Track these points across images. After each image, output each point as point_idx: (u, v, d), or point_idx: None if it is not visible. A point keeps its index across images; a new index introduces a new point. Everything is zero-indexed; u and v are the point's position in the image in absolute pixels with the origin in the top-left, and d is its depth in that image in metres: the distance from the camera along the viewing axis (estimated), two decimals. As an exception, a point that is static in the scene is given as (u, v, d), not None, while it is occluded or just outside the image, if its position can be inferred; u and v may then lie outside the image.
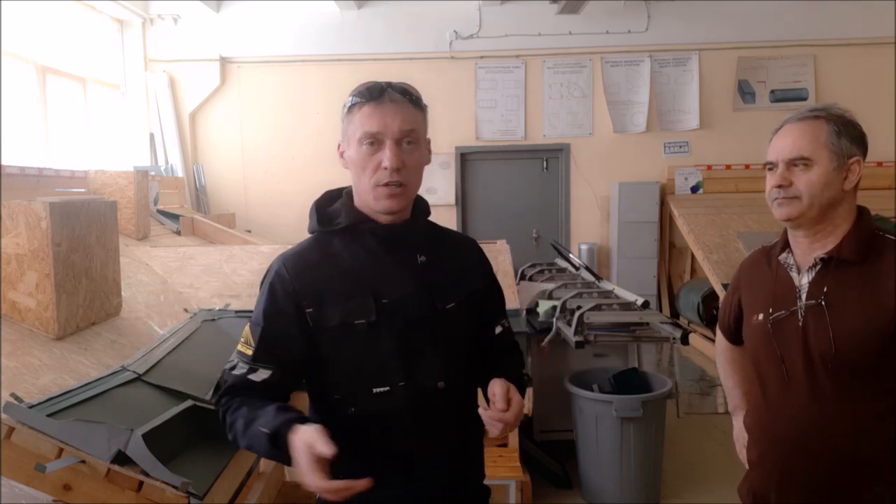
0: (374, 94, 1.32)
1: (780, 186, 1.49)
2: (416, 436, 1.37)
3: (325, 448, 1.15)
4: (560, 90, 7.62)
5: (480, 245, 1.57)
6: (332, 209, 1.43)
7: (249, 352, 1.35)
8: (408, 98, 1.34)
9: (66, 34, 6.31)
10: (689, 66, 7.57)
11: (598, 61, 7.57)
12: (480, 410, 1.36)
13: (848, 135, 1.46)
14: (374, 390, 1.34)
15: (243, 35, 7.52)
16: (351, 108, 1.34)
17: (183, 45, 7.48)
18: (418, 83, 1.43)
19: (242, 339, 1.38)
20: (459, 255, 1.50)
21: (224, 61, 7.57)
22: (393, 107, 1.31)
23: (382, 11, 7.52)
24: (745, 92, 7.59)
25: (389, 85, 1.34)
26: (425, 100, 1.40)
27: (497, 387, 1.35)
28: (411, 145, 1.33)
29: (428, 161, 1.40)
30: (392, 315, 1.34)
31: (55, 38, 6.09)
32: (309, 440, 1.18)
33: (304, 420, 1.26)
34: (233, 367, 1.37)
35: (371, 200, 1.34)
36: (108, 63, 7.16)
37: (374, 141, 1.31)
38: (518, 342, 1.63)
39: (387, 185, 1.31)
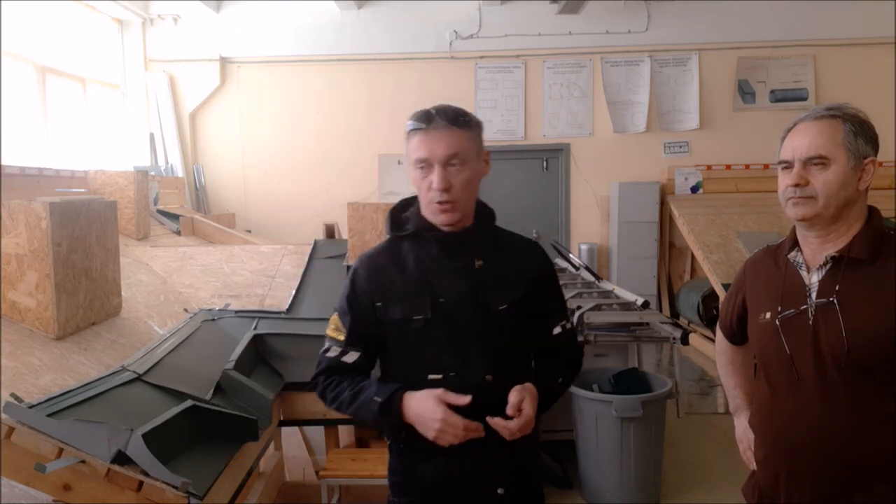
0: (423, 120, 1.50)
1: (796, 185, 1.47)
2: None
3: (458, 398, 1.43)
4: (560, 90, 7.62)
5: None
6: (403, 216, 1.64)
7: (342, 337, 1.59)
8: (456, 123, 1.49)
9: (66, 34, 6.31)
10: (689, 66, 7.57)
11: (598, 61, 7.57)
12: (488, 418, 1.46)
13: (864, 135, 1.46)
14: (430, 377, 1.53)
15: (243, 35, 7.52)
16: (408, 134, 1.53)
17: (183, 45, 7.48)
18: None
19: (332, 326, 1.62)
20: (517, 259, 1.63)
21: (224, 61, 7.57)
22: (438, 134, 1.48)
23: (382, 11, 7.52)
24: (745, 92, 7.58)
25: (437, 112, 1.51)
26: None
27: (513, 395, 1.47)
28: (457, 166, 1.49)
29: (485, 172, 1.58)
30: (446, 313, 1.53)
31: (55, 38, 6.09)
32: (440, 394, 1.44)
33: (405, 389, 1.50)
34: (326, 350, 1.61)
35: (429, 214, 1.55)
36: (108, 63, 7.17)
37: (425, 165, 1.50)
38: (579, 346, 1.75)
39: (439, 203, 1.50)
